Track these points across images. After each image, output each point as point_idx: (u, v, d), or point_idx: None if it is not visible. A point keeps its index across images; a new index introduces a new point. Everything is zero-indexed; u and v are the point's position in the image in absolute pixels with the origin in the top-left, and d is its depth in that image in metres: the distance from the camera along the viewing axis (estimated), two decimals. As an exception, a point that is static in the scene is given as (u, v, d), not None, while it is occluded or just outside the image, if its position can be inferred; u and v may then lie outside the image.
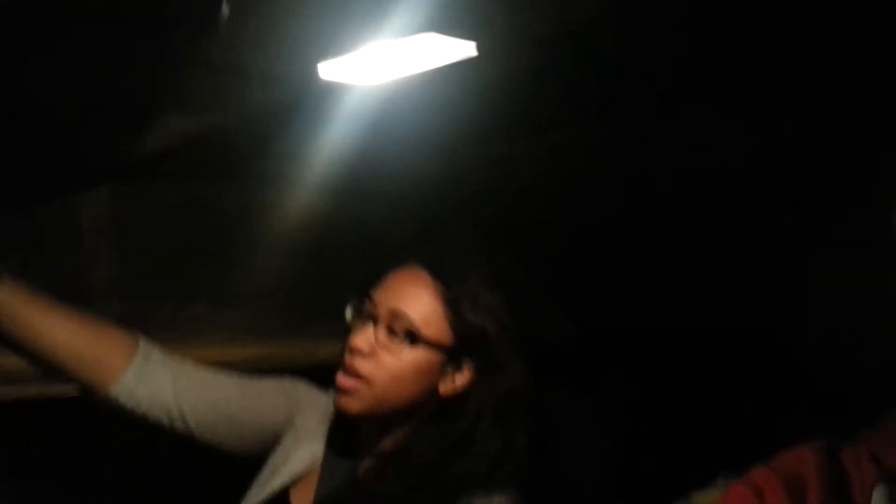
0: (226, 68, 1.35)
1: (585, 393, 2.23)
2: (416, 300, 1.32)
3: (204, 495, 1.63)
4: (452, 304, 1.32)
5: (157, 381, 1.42)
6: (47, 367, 1.37)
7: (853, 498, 0.82)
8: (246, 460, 1.50)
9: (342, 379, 1.33)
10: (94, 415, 1.45)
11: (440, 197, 1.85)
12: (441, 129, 1.59)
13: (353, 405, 1.32)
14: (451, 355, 1.32)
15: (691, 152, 1.68)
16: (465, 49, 1.26)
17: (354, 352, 1.31)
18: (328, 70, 1.33)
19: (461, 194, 1.85)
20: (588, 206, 2.02)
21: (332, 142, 1.53)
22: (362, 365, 1.31)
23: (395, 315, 1.31)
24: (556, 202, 1.95)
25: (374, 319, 1.32)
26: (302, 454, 1.43)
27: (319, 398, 1.46)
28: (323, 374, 1.49)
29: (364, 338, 1.31)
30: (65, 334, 1.37)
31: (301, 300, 1.95)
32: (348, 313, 1.36)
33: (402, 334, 1.30)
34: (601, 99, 1.49)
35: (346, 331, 1.36)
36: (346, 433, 1.41)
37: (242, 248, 1.89)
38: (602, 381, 2.51)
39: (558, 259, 2.22)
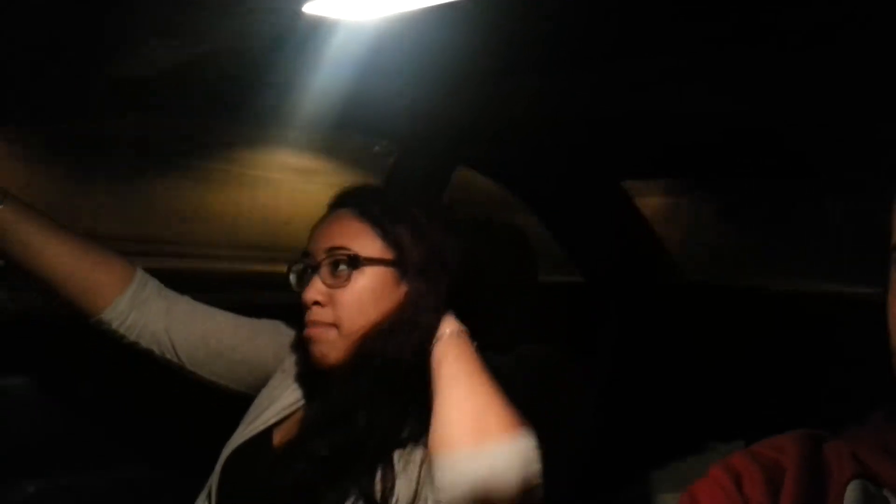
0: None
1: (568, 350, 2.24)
2: (347, 230, 1.36)
3: (193, 429, 1.65)
4: (378, 222, 1.35)
5: (150, 309, 1.47)
6: (45, 284, 1.41)
7: (828, 491, 0.82)
8: (235, 395, 1.53)
9: (309, 330, 1.35)
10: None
11: (421, 136, 1.84)
12: (428, 68, 1.57)
13: (329, 353, 1.35)
14: (399, 270, 1.34)
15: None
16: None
17: (311, 305, 1.34)
18: (314, 6, 1.30)
19: (444, 133, 1.84)
20: (572, 147, 2.02)
21: (317, 78, 1.50)
22: (321, 314, 1.34)
23: (331, 252, 1.33)
24: (539, 142, 1.94)
25: (317, 268, 1.34)
26: (287, 397, 1.46)
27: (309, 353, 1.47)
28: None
29: (314, 289, 1.34)
30: (64, 255, 1.41)
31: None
32: (292, 279, 1.39)
33: (346, 265, 1.32)
34: (596, 43, 1.47)
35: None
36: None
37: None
38: (586, 340, 2.53)
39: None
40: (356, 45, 1.41)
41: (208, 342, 1.50)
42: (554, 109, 1.79)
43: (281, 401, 1.47)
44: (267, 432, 1.44)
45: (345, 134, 1.68)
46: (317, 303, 1.34)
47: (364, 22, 1.35)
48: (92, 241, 1.47)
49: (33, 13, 1.29)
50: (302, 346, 1.45)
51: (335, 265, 1.33)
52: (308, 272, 1.37)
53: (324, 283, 1.34)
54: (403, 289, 1.35)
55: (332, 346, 1.34)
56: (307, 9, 1.31)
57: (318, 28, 1.36)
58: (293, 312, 1.44)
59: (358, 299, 1.33)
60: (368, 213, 1.36)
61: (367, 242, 1.34)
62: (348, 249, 1.34)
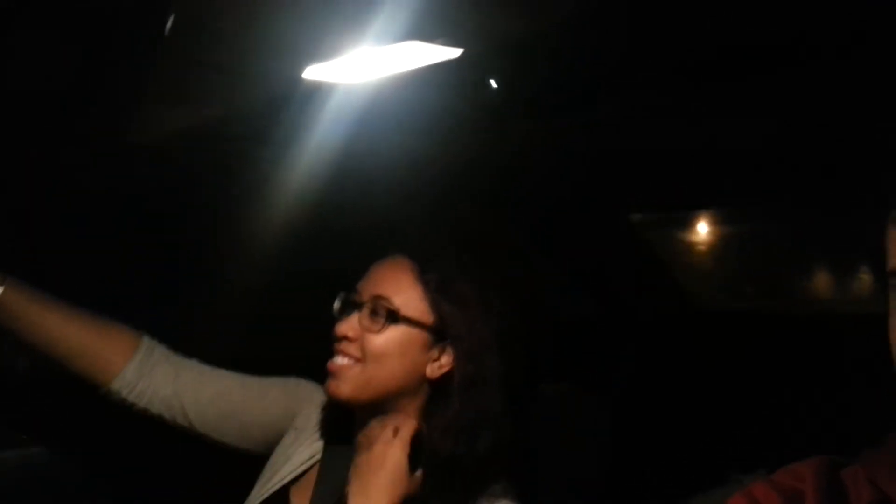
0: (213, 67, 1.38)
1: (585, 385, 2.26)
2: (396, 283, 1.38)
3: (209, 493, 1.67)
4: (429, 287, 1.37)
5: (158, 376, 1.48)
6: (51, 360, 1.43)
7: None
8: (249, 457, 1.54)
9: (330, 363, 1.38)
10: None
11: (424, 190, 1.89)
12: (423, 125, 1.63)
13: (342, 388, 1.37)
14: (433, 336, 1.37)
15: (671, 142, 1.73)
16: (449, 54, 1.29)
17: (340, 338, 1.37)
18: (313, 72, 1.37)
19: (442, 186, 1.89)
20: (559, 190, 2.07)
21: (316, 138, 1.56)
22: (348, 348, 1.37)
23: (377, 298, 1.37)
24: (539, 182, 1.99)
25: (358, 307, 1.37)
26: (302, 453, 1.48)
27: (322, 397, 1.50)
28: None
29: (348, 324, 1.37)
30: (67, 331, 1.43)
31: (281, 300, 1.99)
32: (336, 305, 1.41)
33: (384, 315, 1.35)
34: (579, 91, 1.53)
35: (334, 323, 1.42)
36: (343, 429, 1.46)
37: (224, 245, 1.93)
38: (603, 374, 2.54)
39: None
40: (354, 105, 1.47)
41: (218, 404, 1.50)
42: (550, 150, 1.84)
43: (295, 458, 1.48)
44: (283, 491, 1.45)
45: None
46: (347, 337, 1.37)
47: (359, 84, 1.42)
48: (95, 315, 1.48)
49: (44, 78, 1.36)
50: (318, 399, 1.49)
51: (374, 311, 1.37)
52: (350, 306, 1.40)
53: (360, 322, 1.37)
54: (439, 358, 1.38)
55: (346, 380, 1.36)
56: (307, 74, 1.38)
57: (317, 91, 1.43)
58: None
59: (384, 349, 1.36)
60: (425, 275, 1.38)
61: (412, 301, 1.37)
62: (391, 303, 1.36)
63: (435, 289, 1.38)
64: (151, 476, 1.87)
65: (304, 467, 1.47)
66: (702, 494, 1.86)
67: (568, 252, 2.51)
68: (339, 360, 1.37)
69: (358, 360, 1.36)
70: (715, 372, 2.49)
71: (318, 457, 1.47)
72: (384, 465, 1.31)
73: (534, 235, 2.37)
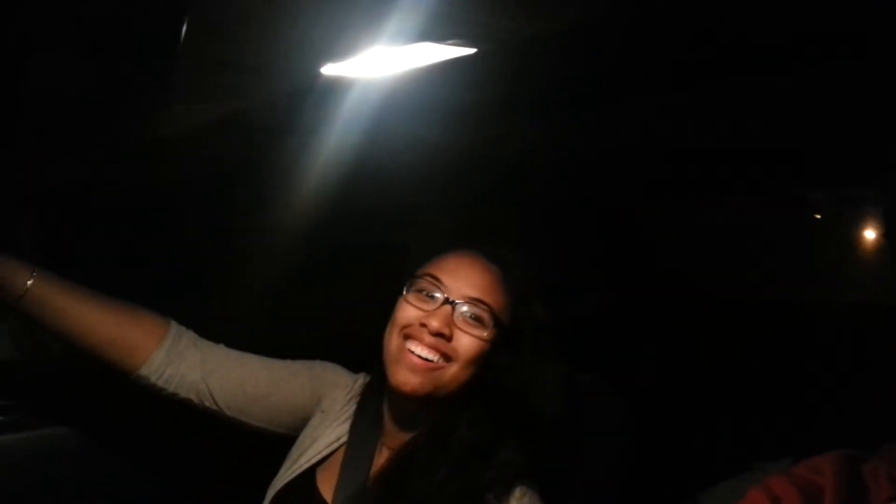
0: (233, 65, 1.44)
1: (610, 378, 2.30)
2: (493, 291, 1.41)
3: (238, 474, 1.72)
4: (515, 295, 1.43)
5: (186, 362, 1.53)
6: (82, 348, 1.49)
7: None
8: (276, 439, 1.58)
9: (417, 358, 1.38)
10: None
11: (437, 180, 1.95)
12: (437, 119, 1.69)
13: (425, 386, 1.37)
14: (509, 341, 1.41)
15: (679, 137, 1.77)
16: (461, 54, 1.35)
17: (434, 333, 1.37)
18: (330, 69, 1.43)
19: (455, 177, 1.94)
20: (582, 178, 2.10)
21: (334, 134, 1.62)
22: (444, 345, 1.38)
23: (479, 302, 1.39)
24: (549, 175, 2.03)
25: (449, 302, 1.39)
26: (329, 435, 1.52)
27: (347, 380, 1.55)
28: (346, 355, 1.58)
29: (443, 320, 1.37)
30: (97, 320, 1.48)
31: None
32: (407, 287, 1.42)
33: (490, 323, 1.38)
34: (591, 87, 1.58)
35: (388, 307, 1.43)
36: (369, 413, 1.50)
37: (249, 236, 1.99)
38: (629, 368, 2.56)
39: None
40: (369, 100, 1.53)
41: (245, 389, 1.53)
42: (561, 145, 1.89)
43: (322, 440, 1.51)
44: (310, 471, 1.49)
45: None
46: (442, 334, 1.37)
47: (377, 79, 1.48)
48: (123, 302, 1.52)
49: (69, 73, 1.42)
50: (343, 381, 1.54)
51: (478, 317, 1.39)
52: (438, 300, 1.39)
53: (455, 322, 1.38)
54: (508, 359, 1.41)
55: (433, 380, 1.37)
56: (325, 70, 1.44)
57: (335, 86, 1.49)
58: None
59: (479, 355, 1.38)
60: (509, 282, 1.43)
61: (506, 312, 1.41)
62: (492, 309, 1.39)
63: (519, 298, 1.42)
64: (181, 458, 1.91)
65: (329, 449, 1.50)
66: (723, 483, 1.89)
67: (580, 246, 2.53)
68: (431, 357, 1.37)
69: (449, 361, 1.37)
70: (733, 362, 2.50)
71: (345, 439, 1.50)
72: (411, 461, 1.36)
73: (547, 229, 2.40)
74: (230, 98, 1.54)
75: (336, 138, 1.65)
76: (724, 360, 2.54)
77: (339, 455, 1.49)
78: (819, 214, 2.44)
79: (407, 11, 1.21)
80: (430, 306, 1.39)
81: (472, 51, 1.34)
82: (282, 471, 1.53)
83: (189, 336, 1.56)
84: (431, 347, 1.37)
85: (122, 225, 1.87)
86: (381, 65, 1.41)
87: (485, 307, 1.39)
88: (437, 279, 1.41)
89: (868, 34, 1.26)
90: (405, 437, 1.44)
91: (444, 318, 1.37)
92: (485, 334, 1.38)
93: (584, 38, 1.35)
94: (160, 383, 1.52)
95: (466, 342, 1.38)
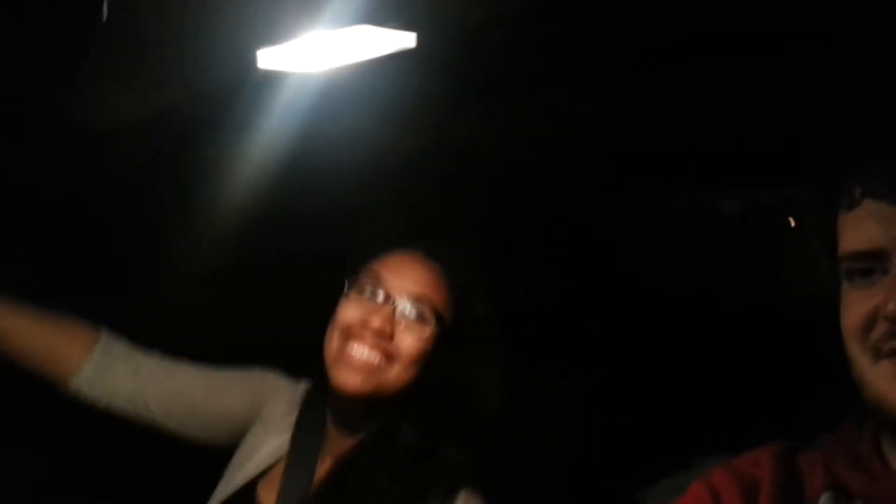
0: (165, 47, 1.38)
1: (553, 369, 2.28)
2: (435, 287, 1.36)
3: (176, 488, 1.64)
4: (454, 292, 1.37)
5: (118, 372, 1.45)
6: (10, 360, 1.40)
7: (802, 502, 0.84)
8: (215, 450, 1.51)
9: (356, 356, 1.33)
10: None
11: (382, 176, 1.90)
12: (377, 114, 1.64)
13: (366, 385, 1.31)
14: (450, 339, 1.36)
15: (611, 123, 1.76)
16: (402, 40, 1.31)
17: (375, 331, 1.32)
18: (267, 58, 1.37)
19: (400, 172, 1.90)
20: (514, 175, 2.08)
21: (269, 128, 1.56)
22: (386, 344, 1.32)
23: (419, 299, 1.34)
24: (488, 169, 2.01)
25: (389, 300, 1.35)
26: (268, 446, 1.45)
27: (288, 387, 1.48)
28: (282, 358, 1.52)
29: (384, 317, 1.32)
30: (21, 331, 1.40)
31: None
32: (347, 286, 1.37)
33: (432, 320, 1.33)
34: (531, 78, 1.56)
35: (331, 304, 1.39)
36: (311, 419, 1.44)
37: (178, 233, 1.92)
38: (569, 358, 2.55)
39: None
40: (307, 94, 1.48)
41: (181, 398, 1.47)
42: (505, 137, 1.87)
43: (262, 451, 1.45)
44: (250, 485, 1.42)
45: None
46: (383, 331, 1.32)
47: (313, 73, 1.42)
48: (50, 313, 1.45)
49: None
50: (284, 389, 1.48)
51: (419, 313, 1.34)
52: (380, 299, 1.35)
53: (397, 320, 1.34)
54: (450, 357, 1.36)
55: (374, 379, 1.32)
56: (261, 59, 1.38)
57: (271, 79, 1.43)
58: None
59: (422, 353, 1.33)
60: (451, 278, 1.38)
61: (448, 308, 1.36)
62: (435, 307, 1.35)
63: (459, 296, 1.38)
64: (117, 471, 1.85)
65: (271, 460, 1.44)
66: (666, 479, 1.89)
67: (525, 237, 2.52)
68: (371, 356, 1.32)
69: (390, 360, 1.33)
70: (676, 355, 2.52)
71: (287, 448, 1.43)
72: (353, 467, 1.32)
73: (492, 221, 2.37)
74: (158, 87, 1.47)
75: (270, 133, 1.59)
76: (667, 355, 2.56)
77: (281, 466, 1.43)
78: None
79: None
80: (371, 305, 1.35)
81: (412, 35, 1.30)
82: (220, 486, 1.46)
83: (120, 345, 1.48)
84: (373, 347, 1.32)
85: (44, 221, 1.78)
86: (320, 50, 1.35)
87: (427, 305, 1.35)
88: (378, 277, 1.37)
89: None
90: (349, 442, 1.39)
91: (385, 317, 1.33)
92: (427, 332, 1.34)
93: (529, 24, 1.33)
94: (92, 395, 1.44)
95: (409, 341, 1.33)
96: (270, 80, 1.47)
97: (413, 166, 1.88)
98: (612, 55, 1.37)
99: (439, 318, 1.35)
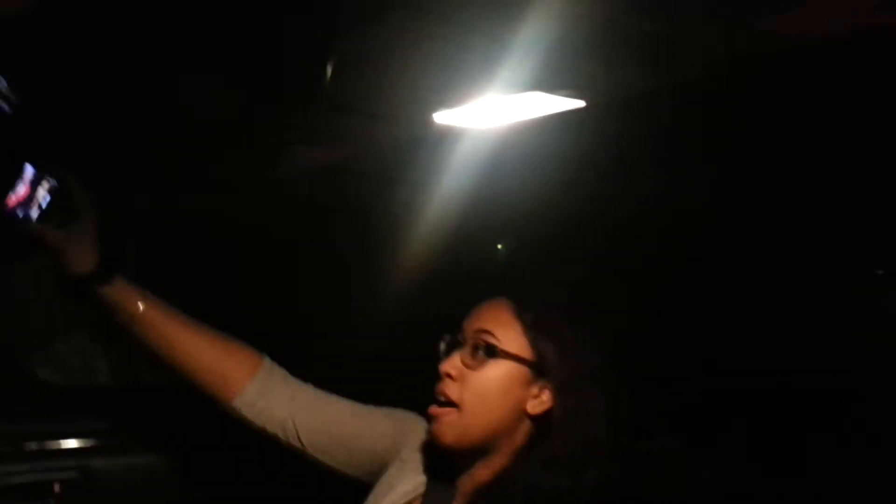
0: (351, 110, 1.49)
1: (697, 448, 2.20)
2: (495, 319, 1.40)
3: None
4: (527, 323, 1.39)
5: (276, 397, 1.55)
6: (179, 376, 1.53)
7: None
8: (354, 483, 1.58)
9: (433, 407, 1.40)
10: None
11: (542, 236, 1.94)
12: (546, 171, 1.68)
13: (445, 433, 1.38)
14: (533, 372, 1.37)
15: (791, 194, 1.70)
16: (571, 105, 1.35)
17: (443, 377, 1.39)
18: (443, 117, 1.45)
19: (560, 234, 1.92)
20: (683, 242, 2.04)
21: (442, 181, 1.64)
22: (451, 389, 1.38)
23: (477, 333, 1.38)
24: (649, 238, 1.98)
25: (461, 345, 1.40)
26: (406, 484, 1.50)
27: (426, 430, 1.54)
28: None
29: (451, 363, 1.39)
30: (197, 348, 1.53)
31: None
32: (442, 346, 1.43)
33: (484, 350, 1.37)
34: (700, 146, 1.54)
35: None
36: (446, 465, 1.49)
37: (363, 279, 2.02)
38: (716, 440, 2.45)
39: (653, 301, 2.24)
40: (481, 149, 1.54)
41: (329, 429, 1.54)
42: (669, 207, 1.85)
43: (399, 488, 1.50)
44: None
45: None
46: (449, 375, 1.38)
47: (488, 130, 1.49)
48: (222, 334, 1.55)
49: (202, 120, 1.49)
50: (424, 432, 1.52)
51: (476, 347, 1.39)
52: (453, 345, 1.42)
53: (462, 360, 1.39)
54: (540, 395, 1.40)
55: (449, 426, 1.39)
56: (437, 118, 1.46)
57: (446, 135, 1.51)
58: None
59: (485, 387, 1.37)
60: (523, 313, 1.39)
61: (511, 337, 1.38)
62: (493, 336, 1.39)
63: (532, 325, 1.40)
64: (259, 494, 1.95)
65: (406, 499, 1.48)
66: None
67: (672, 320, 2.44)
68: (439, 406, 1.38)
69: (456, 406, 1.37)
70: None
71: (421, 490, 1.49)
72: None
73: (643, 293, 2.33)
74: (342, 143, 1.59)
75: (444, 188, 1.66)
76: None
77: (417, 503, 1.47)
78: None
79: (519, 61, 1.22)
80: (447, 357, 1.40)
81: (582, 103, 1.34)
82: None
83: (280, 372, 1.58)
84: (440, 392, 1.38)
85: (226, 257, 1.93)
86: (492, 113, 1.42)
87: (484, 335, 1.37)
88: (460, 328, 1.42)
89: None
90: (476, 486, 1.42)
91: (452, 361, 1.38)
92: (491, 367, 1.36)
93: (697, 95, 1.33)
94: (250, 416, 1.54)
95: (470, 377, 1.37)
96: (445, 136, 1.55)
97: (574, 227, 1.90)
98: (787, 126, 1.34)
99: (494, 348, 1.36)
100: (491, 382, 1.38)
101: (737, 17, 1.12)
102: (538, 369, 1.38)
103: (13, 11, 1.08)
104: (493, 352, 1.37)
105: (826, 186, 1.53)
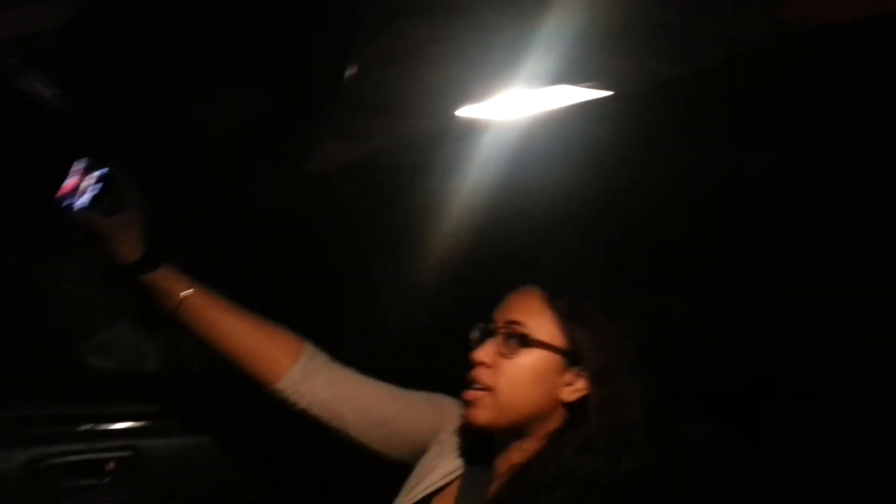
0: (378, 107, 1.49)
1: (737, 432, 2.18)
2: (528, 309, 1.43)
3: (358, 497, 1.76)
4: (560, 311, 1.41)
5: (319, 380, 1.59)
6: (225, 359, 1.57)
7: None
8: (394, 465, 1.62)
9: (466, 391, 1.45)
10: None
11: (569, 225, 1.93)
12: (573, 160, 1.68)
13: (479, 415, 1.43)
14: (566, 360, 1.40)
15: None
16: (597, 95, 1.34)
17: (476, 364, 1.43)
18: (468, 111, 1.45)
19: (588, 221, 1.92)
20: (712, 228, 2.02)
21: (467, 174, 1.64)
22: (483, 375, 1.42)
23: (510, 324, 1.42)
24: (678, 225, 1.97)
25: (493, 334, 1.43)
26: (444, 467, 1.54)
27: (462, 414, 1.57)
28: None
29: (484, 351, 1.43)
30: (242, 333, 1.57)
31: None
32: (474, 335, 1.47)
33: (517, 339, 1.40)
34: (730, 132, 1.53)
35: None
36: (483, 448, 1.51)
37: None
38: (758, 424, 2.43)
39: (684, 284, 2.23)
40: (507, 141, 1.54)
41: (370, 412, 1.58)
42: (694, 192, 1.83)
43: (438, 470, 1.54)
44: (425, 501, 1.51)
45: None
46: (482, 363, 1.42)
47: (512, 121, 1.49)
48: (265, 320, 1.59)
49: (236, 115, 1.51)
50: (461, 416, 1.55)
51: (508, 336, 1.41)
52: (486, 334, 1.45)
53: (495, 349, 1.42)
54: (573, 383, 1.41)
55: (482, 409, 1.41)
56: (462, 113, 1.46)
57: (472, 128, 1.51)
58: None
59: (518, 374, 1.40)
60: (555, 302, 1.42)
61: (543, 326, 1.41)
62: (524, 326, 1.41)
63: (565, 313, 1.41)
64: (302, 475, 2.00)
65: (445, 480, 1.52)
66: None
67: (709, 296, 2.42)
68: (473, 390, 1.42)
69: (489, 389, 1.40)
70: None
71: (460, 471, 1.52)
72: None
73: (679, 275, 2.32)
74: (367, 138, 1.60)
75: (468, 178, 1.66)
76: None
77: (455, 486, 1.51)
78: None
79: (543, 54, 1.22)
80: (481, 344, 1.44)
81: (608, 93, 1.33)
82: (398, 498, 1.56)
83: (322, 356, 1.62)
84: (472, 380, 1.42)
85: (261, 252, 1.96)
86: (517, 107, 1.42)
87: (516, 325, 1.40)
88: (492, 318, 1.45)
89: None
90: (512, 467, 1.45)
91: (484, 349, 1.42)
92: (523, 355, 1.39)
93: (727, 81, 1.32)
94: (294, 398, 1.58)
95: (505, 366, 1.40)
96: (470, 129, 1.55)
97: (601, 219, 1.89)
98: (816, 112, 1.33)
99: (526, 337, 1.39)
100: (524, 370, 1.40)
101: (763, 1, 1.11)
102: (571, 357, 1.40)
103: (58, 24, 1.11)
104: (525, 341, 1.39)
105: (858, 174, 1.51)
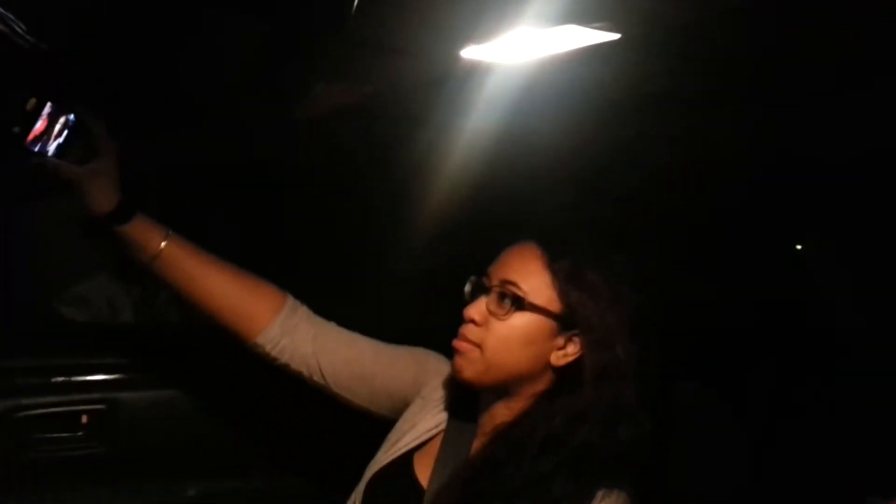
0: (375, 46, 1.42)
1: (723, 390, 2.17)
2: (525, 269, 1.39)
3: (336, 451, 1.75)
4: (558, 275, 1.37)
5: (299, 334, 1.56)
6: (203, 312, 1.54)
7: None
8: (376, 419, 1.61)
9: (456, 342, 1.42)
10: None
11: (575, 177, 1.88)
12: (581, 108, 1.61)
13: (466, 368, 1.40)
14: (560, 324, 1.36)
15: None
16: (607, 38, 1.27)
17: (468, 320, 1.40)
18: (472, 52, 1.38)
19: (594, 174, 1.86)
20: (724, 189, 1.97)
21: (472, 120, 1.58)
22: (474, 331, 1.39)
23: (505, 283, 1.38)
24: (688, 184, 1.93)
25: (487, 291, 1.39)
26: (427, 422, 1.53)
27: (449, 370, 1.54)
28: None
29: (476, 308, 1.40)
30: (221, 286, 1.54)
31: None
32: (467, 288, 1.44)
33: (511, 301, 1.36)
34: (742, 83, 1.46)
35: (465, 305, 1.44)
36: (467, 404, 1.49)
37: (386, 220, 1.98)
38: (744, 380, 2.43)
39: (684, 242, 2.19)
40: (512, 85, 1.47)
41: (351, 367, 1.57)
42: (707, 144, 1.77)
43: (420, 426, 1.53)
44: (407, 455, 1.51)
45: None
46: (473, 321, 1.39)
47: (518, 64, 1.42)
48: (245, 272, 1.56)
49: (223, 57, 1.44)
50: (445, 372, 1.52)
51: (502, 296, 1.38)
52: (479, 289, 1.42)
53: (487, 307, 1.39)
54: (565, 347, 1.37)
55: (470, 362, 1.39)
56: (465, 54, 1.39)
57: (475, 71, 1.44)
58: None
59: (508, 336, 1.37)
60: (554, 263, 1.38)
61: (540, 288, 1.38)
62: (519, 288, 1.37)
63: (564, 277, 1.37)
64: (281, 429, 1.99)
65: (428, 435, 1.51)
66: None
67: (719, 257, 2.39)
68: (462, 344, 1.40)
69: (480, 345, 1.38)
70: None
71: (443, 427, 1.51)
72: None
73: (684, 235, 2.28)
74: (367, 80, 1.53)
75: (473, 124, 1.60)
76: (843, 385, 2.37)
77: (437, 442, 1.50)
78: None
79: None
80: (475, 300, 1.43)
81: (617, 36, 1.26)
82: (380, 452, 1.56)
83: (303, 310, 1.60)
84: (462, 335, 1.40)
85: (250, 201, 1.91)
86: (523, 48, 1.35)
87: (511, 286, 1.37)
88: (486, 272, 1.43)
89: None
90: (496, 425, 1.43)
91: (477, 306, 1.39)
92: (514, 315, 1.36)
93: (749, 28, 1.24)
94: (274, 353, 1.57)
95: (496, 326, 1.38)
96: (473, 71, 1.49)
97: (610, 169, 1.84)
98: (838, 63, 1.25)
99: (521, 300, 1.35)
100: (515, 332, 1.37)
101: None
102: (566, 322, 1.36)
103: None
104: (520, 303, 1.36)
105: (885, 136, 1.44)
